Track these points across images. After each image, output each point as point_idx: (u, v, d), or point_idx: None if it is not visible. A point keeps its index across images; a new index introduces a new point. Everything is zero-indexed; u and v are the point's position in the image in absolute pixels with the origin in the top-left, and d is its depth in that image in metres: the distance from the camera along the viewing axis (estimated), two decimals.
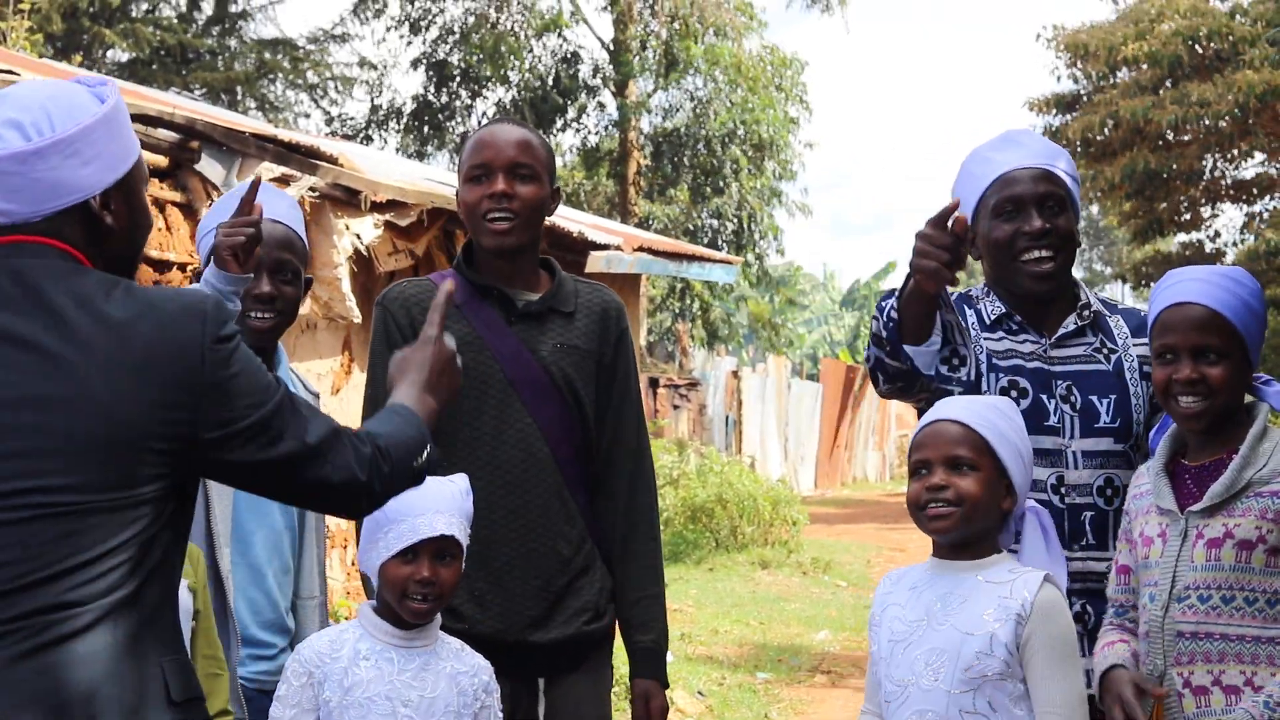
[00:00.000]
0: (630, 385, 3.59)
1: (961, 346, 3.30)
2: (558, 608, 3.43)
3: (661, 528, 15.79)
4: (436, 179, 11.66)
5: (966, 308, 3.48)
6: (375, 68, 30.49)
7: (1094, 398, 3.37)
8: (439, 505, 3.06)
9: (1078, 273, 3.60)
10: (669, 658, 9.41)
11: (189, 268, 6.82)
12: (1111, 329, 3.49)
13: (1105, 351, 3.45)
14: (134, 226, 2.40)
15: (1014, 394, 3.33)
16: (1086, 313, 3.46)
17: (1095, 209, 50.99)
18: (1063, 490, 3.33)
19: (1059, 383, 3.38)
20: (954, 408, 3.06)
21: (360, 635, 3.08)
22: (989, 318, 3.45)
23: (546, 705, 3.43)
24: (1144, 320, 3.44)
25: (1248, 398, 3.12)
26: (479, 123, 28.61)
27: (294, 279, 3.50)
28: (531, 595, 3.41)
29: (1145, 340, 3.38)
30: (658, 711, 3.49)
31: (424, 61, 28.64)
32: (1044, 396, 3.36)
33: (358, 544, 3.16)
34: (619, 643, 3.60)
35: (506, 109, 28.15)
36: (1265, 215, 25.22)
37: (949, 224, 3.03)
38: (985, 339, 3.42)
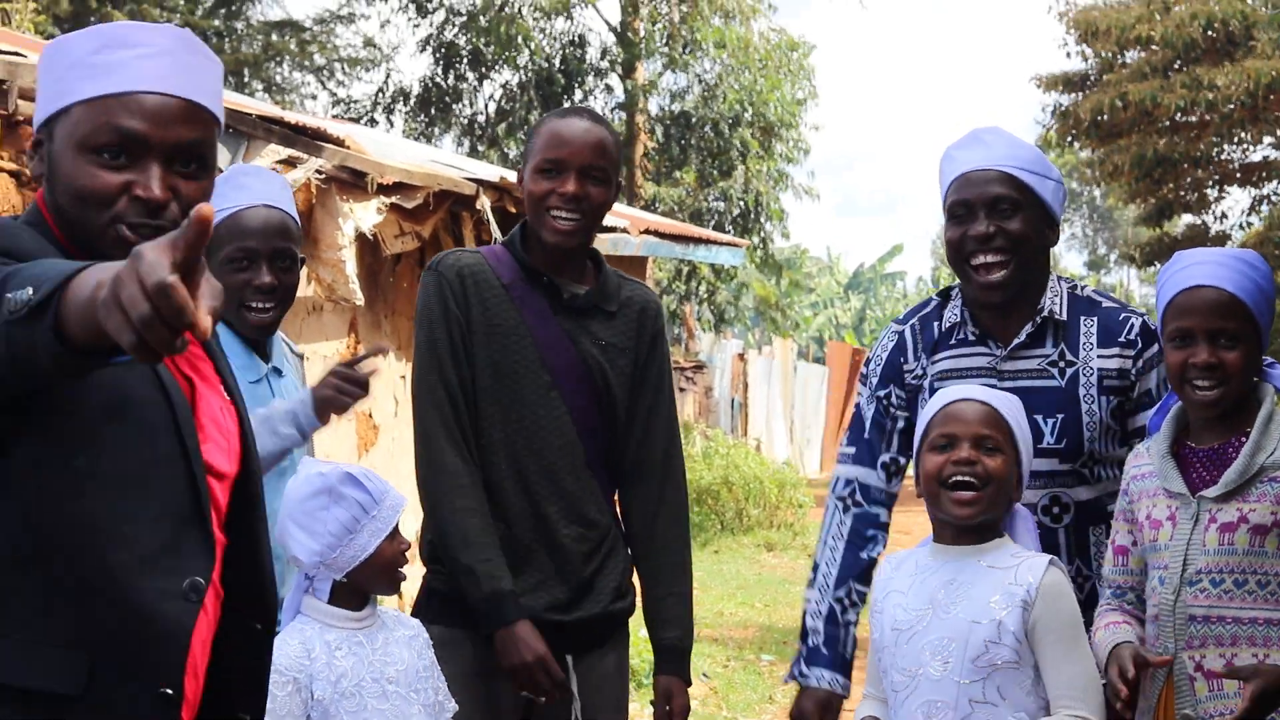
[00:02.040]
0: (664, 383, 3.62)
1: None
2: (589, 588, 3.47)
3: None
4: (443, 161, 11.64)
5: (921, 328, 3.44)
6: (381, 50, 30.44)
7: (1039, 417, 3.25)
8: (385, 479, 3.11)
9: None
10: None
11: None
12: (1078, 337, 3.32)
13: (1062, 365, 3.31)
14: (51, 177, 2.19)
15: None
16: (1040, 319, 3.32)
17: (1098, 192, 50.92)
18: None
19: None
20: (977, 390, 3.03)
21: (320, 629, 3.03)
22: (942, 328, 3.41)
23: (575, 681, 3.46)
24: (1120, 325, 3.33)
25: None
26: (485, 105, 28.59)
27: (292, 265, 3.44)
28: (565, 576, 3.44)
29: (1113, 351, 3.30)
30: (680, 709, 3.51)
31: (430, 43, 28.56)
32: None
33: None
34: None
35: (514, 92, 28.09)
36: (1274, 197, 25.09)
37: None
38: (930, 364, 3.39)
